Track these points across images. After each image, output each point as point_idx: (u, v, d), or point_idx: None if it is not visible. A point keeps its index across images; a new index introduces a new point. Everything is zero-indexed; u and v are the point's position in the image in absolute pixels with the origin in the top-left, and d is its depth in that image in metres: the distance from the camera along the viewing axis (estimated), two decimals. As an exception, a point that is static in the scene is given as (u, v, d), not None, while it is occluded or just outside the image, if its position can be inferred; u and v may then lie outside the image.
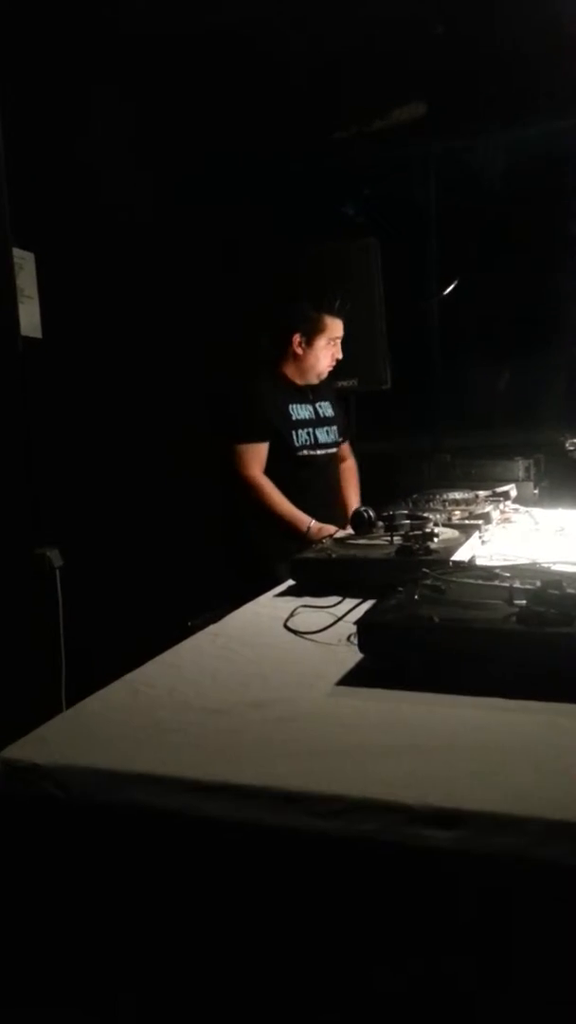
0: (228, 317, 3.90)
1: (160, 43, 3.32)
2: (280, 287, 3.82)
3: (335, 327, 3.10)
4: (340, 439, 3.25)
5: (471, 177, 4.54)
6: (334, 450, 3.22)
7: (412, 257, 4.47)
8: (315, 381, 3.15)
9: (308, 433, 3.10)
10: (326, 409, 3.21)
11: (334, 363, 3.15)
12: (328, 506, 3.07)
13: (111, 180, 3.29)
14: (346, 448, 3.37)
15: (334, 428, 3.21)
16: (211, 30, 3.29)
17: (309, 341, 3.07)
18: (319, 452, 3.13)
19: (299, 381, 3.13)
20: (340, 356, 3.16)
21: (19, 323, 2.74)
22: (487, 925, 0.86)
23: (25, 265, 2.95)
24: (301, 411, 3.11)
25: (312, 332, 3.07)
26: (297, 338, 3.05)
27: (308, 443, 3.09)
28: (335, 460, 3.27)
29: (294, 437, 3.04)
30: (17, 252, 2.86)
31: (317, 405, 3.18)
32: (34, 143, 2.89)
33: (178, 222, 3.83)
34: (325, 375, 3.17)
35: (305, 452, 3.07)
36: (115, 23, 3.12)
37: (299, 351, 3.07)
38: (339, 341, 3.13)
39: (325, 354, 3.10)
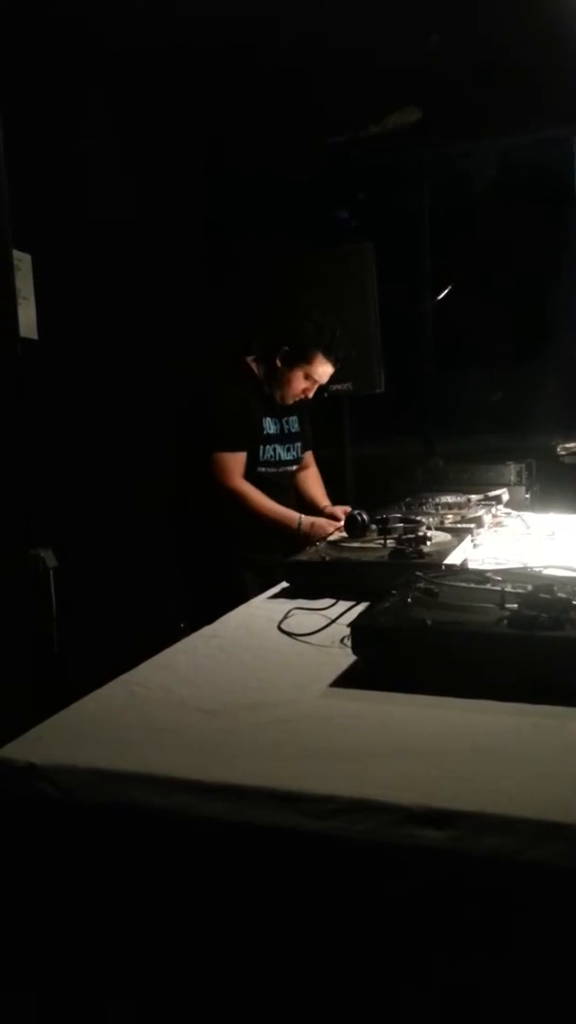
0: (223, 320, 3.92)
1: (156, 50, 3.33)
2: (276, 291, 3.84)
3: (321, 369, 2.93)
4: (301, 455, 3.16)
5: (465, 182, 4.56)
6: (293, 468, 3.13)
7: (406, 262, 4.49)
8: (279, 401, 3.00)
9: (272, 450, 3.01)
10: (293, 424, 3.10)
11: (303, 397, 3.00)
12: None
13: (107, 183, 3.30)
14: (309, 457, 3.29)
15: (298, 444, 3.12)
16: (206, 37, 3.30)
17: (289, 363, 2.91)
18: (279, 470, 3.05)
19: (269, 392, 2.99)
20: (311, 396, 3.02)
21: (18, 324, 2.73)
22: (480, 924, 0.88)
23: (22, 266, 2.96)
24: (271, 426, 3.01)
25: (296, 357, 2.90)
26: (281, 352, 2.92)
27: (270, 459, 3.01)
28: (294, 475, 3.18)
29: (260, 452, 2.96)
30: (15, 253, 2.87)
31: (285, 420, 3.07)
32: (32, 145, 2.90)
33: (174, 226, 3.84)
34: (288, 403, 3.00)
35: (262, 469, 2.98)
36: (109, 32, 3.13)
37: (276, 363, 2.93)
38: (317, 385, 2.98)
39: (297, 384, 2.94)
